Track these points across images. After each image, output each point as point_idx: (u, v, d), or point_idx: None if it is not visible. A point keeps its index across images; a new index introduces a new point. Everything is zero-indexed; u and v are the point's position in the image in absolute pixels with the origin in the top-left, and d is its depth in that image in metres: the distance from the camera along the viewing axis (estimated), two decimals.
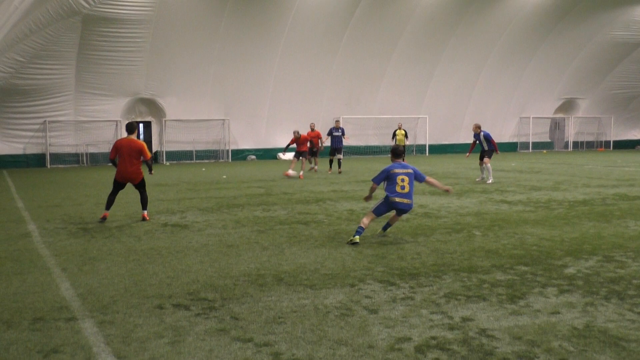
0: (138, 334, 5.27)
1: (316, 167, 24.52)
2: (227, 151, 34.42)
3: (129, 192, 15.20)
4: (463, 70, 38.05)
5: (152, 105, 32.73)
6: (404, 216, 10.86)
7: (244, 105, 33.91)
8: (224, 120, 33.91)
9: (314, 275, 7.29)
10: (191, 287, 6.82)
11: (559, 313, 5.71)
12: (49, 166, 30.43)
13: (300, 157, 22.29)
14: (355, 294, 6.46)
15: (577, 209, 12.70)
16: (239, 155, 34.92)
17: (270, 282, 6.97)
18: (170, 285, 6.89)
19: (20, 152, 30.32)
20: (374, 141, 37.65)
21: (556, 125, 44.56)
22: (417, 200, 14.32)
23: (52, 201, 15.65)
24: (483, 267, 7.55)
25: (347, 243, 9.20)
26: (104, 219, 11.85)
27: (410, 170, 9.53)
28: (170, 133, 33.25)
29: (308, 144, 23.18)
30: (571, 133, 44.68)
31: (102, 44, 28.75)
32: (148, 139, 33.88)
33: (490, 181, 18.70)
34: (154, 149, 33.51)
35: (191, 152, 33.91)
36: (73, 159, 31.43)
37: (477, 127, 19.65)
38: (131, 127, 12.39)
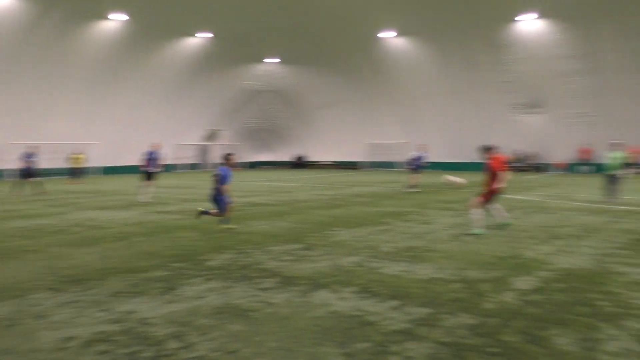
0: None
1: None
2: None
3: None
4: (130, 103, 36.75)
5: None
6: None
7: None
8: None
9: None
10: None
11: (203, 297, 5.88)
12: None
13: None
14: (22, 303, 5.68)
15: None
16: None
17: None
18: None
19: None
20: (46, 164, 33.72)
21: (204, 150, 46.11)
22: (87, 215, 13.35)
23: None
24: (144, 267, 7.35)
25: None
26: None
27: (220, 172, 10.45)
28: None
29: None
30: (216, 156, 46.73)
31: None
32: None
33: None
34: None
35: None
36: None
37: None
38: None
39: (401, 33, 35.58)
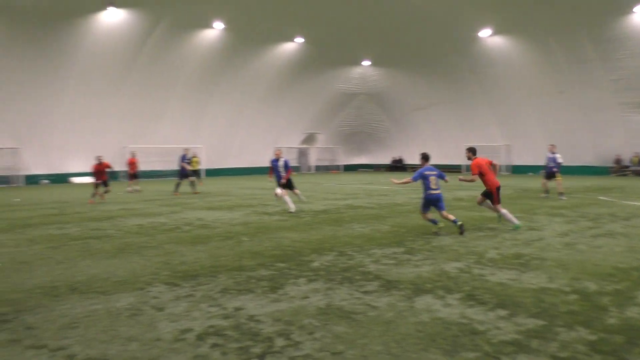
0: None
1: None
2: (21, 176, 30.47)
3: None
4: (231, 109, 38.52)
5: None
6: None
7: (35, 134, 30.34)
8: (15, 148, 29.92)
9: (105, 283, 6.76)
10: None
11: (308, 297, 5.99)
12: None
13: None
14: (143, 296, 6.12)
15: (319, 217, 13.43)
16: (33, 180, 31.10)
17: (64, 292, 6.30)
18: None
19: None
20: (158, 166, 36.18)
21: (302, 153, 47.07)
22: (196, 214, 14.10)
23: None
24: (250, 266, 7.64)
25: (433, 233, 10.25)
26: None
27: (436, 172, 10.56)
28: None
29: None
30: (313, 159, 47.65)
31: None
32: None
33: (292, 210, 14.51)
34: None
35: None
36: None
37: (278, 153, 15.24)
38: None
39: (500, 31, 34.12)
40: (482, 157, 11.35)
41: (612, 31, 30.92)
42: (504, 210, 11.05)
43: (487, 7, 31.26)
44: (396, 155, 48.56)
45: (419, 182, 10.63)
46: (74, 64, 29.43)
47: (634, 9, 29.60)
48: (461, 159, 42.20)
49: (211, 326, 5.03)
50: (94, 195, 18.67)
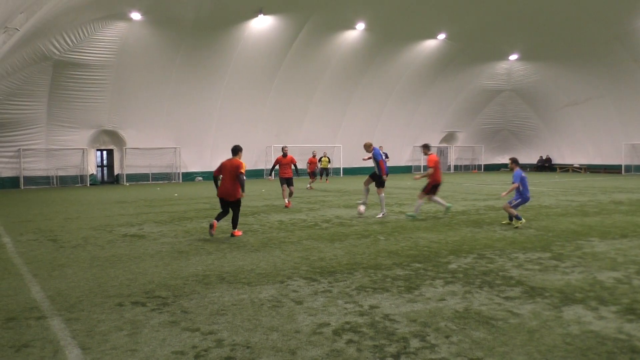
0: (100, 328, 5.05)
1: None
2: (179, 173, 33.64)
3: (96, 209, 14.51)
4: (370, 108, 38.85)
5: (114, 136, 31.63)
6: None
7: (192, 135, 33.34)
8: (175, 148, 33.19)
9: (250, 274, 7.21)
10: (147, 287, 6.60)
11: (444, 300, 5.86)
12: (22, 187, 28.76)
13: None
14: (284, 289, 6.43)
15: (458, 218, 13.09)
16: (189, 177, 34.16)
17: (214, 281, 6.84)
18: (129, 286, 6.65)
19: None
20: (300, 165, 37.63)
21: (441, 152, 46.02)
22: (334, 212, 14.44)
23: (25, 217, 14.80)
24: (386, 265, 7.67)
25: (515, 227, 11.05)
26: (211, 227, 10.38)
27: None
28: (130, 159, 32.17)
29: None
30: (453, 158, 46.29)
31: (71, 84, 27.72)
32: (110, 164, 32.94)
33: (380, 215, 13.41)
34: (116, 172, 32.49)
35: (148, 174, 32.90)
36: (44, 181, 29.83)
37: (368, 146, 13.93)
38: (235, 149, 11.03)
39: None
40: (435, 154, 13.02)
41: None
42: (421, 201, 12.87)
43: None
44: (544, 154, 45.42)
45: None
46: (226, 69, 31.73)
47: None
48: (621, 159, 38.34)
49: (347, 322, 5.13)
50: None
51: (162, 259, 8.39)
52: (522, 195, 11.50)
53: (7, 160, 28.65)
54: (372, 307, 5.62)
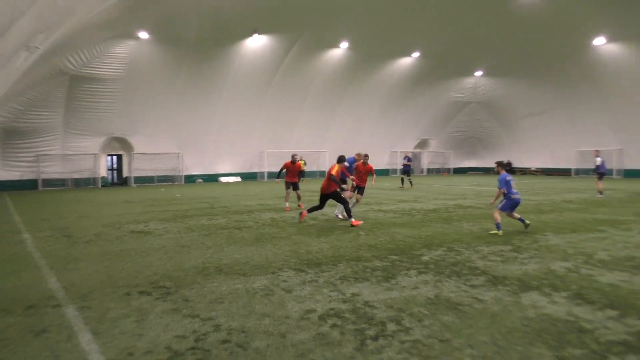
0: (110, 315, 5.02)
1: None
2: (181, 176, 33.40)
3: (107, 208, 14.38)
4: (354, 117, 38.90)
5: (123, 142, 31.36)
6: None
7: (194, 141, 33.14)
8: (178, 153, 32.96)
9: (245, 266, 7.19)
10: (152, 278, 6.56)
11: (418, 288, 5.90)
12: (40, 189, 28.40)
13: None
14: (275, 279, 6.42)
15: (430, 215, 13.16)
16: (190, 179, 33.94)
17: (213, 273, 6.81)
18: (136, 277, 6.60)
19: (17, 177, 28.19)
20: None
21: (415, 157, 46.18)
22: (321, 210, 14.43)
23: (42, 216, 14.61)
24: (366, 257, 7.69)
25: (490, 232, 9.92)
26: (300, 214, 12.03)
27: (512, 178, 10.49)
28: (137, 163, 31.89)
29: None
30: (426, 162, 46.52)
31: (85, 96, 27.56)
32: (120, 168, 32.65)
33: (339, 215, 12.55)
34: (125, 175, 32.23)
35: (153, 177, 32.64)
36: (60, 183, 29.46)
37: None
38: (340, 158, 11.84)
39: (615, 38, 30.64)
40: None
41: None
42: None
43: (600, 15, 28.32)
44: (505, 159, 45.83)
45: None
46: (225, 82, 31.60)
47: None
48: (571, 163, 38.84)
49: (331, 308, 5.15)
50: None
51: (166, 252, 8.34)
52: (507, 197, 10.10)
53: (27, 164, 28.40)
54: (353, 294, 5.63)
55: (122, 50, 26.64)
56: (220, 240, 9.47)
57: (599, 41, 31.15)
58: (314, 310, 5.08)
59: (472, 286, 5.91)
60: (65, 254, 8.38)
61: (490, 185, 26.96)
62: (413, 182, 26.80)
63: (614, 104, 34.69)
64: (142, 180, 32.21)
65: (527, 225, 10.21)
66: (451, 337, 4.32)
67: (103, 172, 31.36)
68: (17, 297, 5.69)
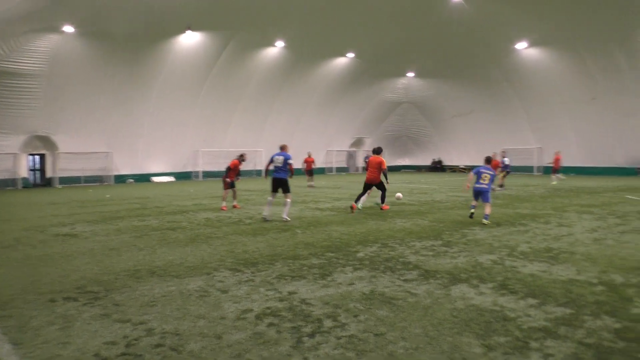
0: (33, 324, 4.70)
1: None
2: (111, 176, 31.89)
3: (29, 211, 13.50)
4: (289, 116, 38.87)
5: (46, 141, 29.39)
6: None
7: (124, 140, 31.72)
8: (107, 152, 31.42)
9: (179, 267, 6.98)
10: (79, 283, 6.21)
11: (353, 284, 5.98)
12: None
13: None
14: (210, 280, 6.28)
15: (365, 212, 13.35)
16: (121, 179, 32.47)
17: (145, 275, 6.56)
18: (61, 283, 6.22)
19: None
20: (225, 167, 36.89)
21: (350, 156, 46.92)
22: (257, 209, 14.28)
23: None
24: (303, 255, 7.70)
25: (470, 216, 11.33)
26: (351, 208, 13.28)
27: (491, 172, 11.20)
28: (63, 163, 30.02)
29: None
30: (361, 160, 47.33)
31: (4, 92, 25.69)
32: (43, 168, 30.67)
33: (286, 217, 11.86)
34: (48, 175, 30.34)
35: (80, 177, 30.93)
36: None
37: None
38: (377, 150, 13.70)
39: (535, 43, 32.75)
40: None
41: None
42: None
43: (523, 21, 30.11)
44: (436, 157, 47.65)
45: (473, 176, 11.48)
46: (157, 80, 30.53)
47: None
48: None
49: (268, 307, 5.11)
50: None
51: (94, 256, 7.93)
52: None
53: None
54: (290, 293, 5.62)
55: (45, 44, 25.06)
56: (153, 242, 9.13)
57: (521, 45, 33.12)
58: (251, 310, 5.02)
59: (406, 280, 6.08)
60: None
61: (422, 182, 27.87)
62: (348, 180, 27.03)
63: (533, 105, 37.02)
64: (68, 181, 30.47)
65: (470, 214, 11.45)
66: (385, 331, 4.42)
67: (24, 172, 29.33)
68: None
